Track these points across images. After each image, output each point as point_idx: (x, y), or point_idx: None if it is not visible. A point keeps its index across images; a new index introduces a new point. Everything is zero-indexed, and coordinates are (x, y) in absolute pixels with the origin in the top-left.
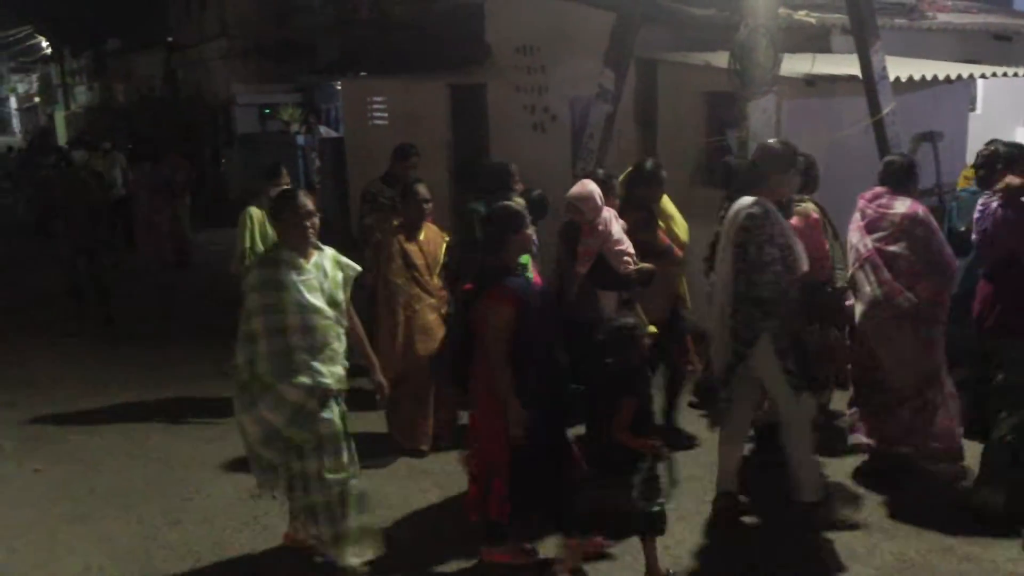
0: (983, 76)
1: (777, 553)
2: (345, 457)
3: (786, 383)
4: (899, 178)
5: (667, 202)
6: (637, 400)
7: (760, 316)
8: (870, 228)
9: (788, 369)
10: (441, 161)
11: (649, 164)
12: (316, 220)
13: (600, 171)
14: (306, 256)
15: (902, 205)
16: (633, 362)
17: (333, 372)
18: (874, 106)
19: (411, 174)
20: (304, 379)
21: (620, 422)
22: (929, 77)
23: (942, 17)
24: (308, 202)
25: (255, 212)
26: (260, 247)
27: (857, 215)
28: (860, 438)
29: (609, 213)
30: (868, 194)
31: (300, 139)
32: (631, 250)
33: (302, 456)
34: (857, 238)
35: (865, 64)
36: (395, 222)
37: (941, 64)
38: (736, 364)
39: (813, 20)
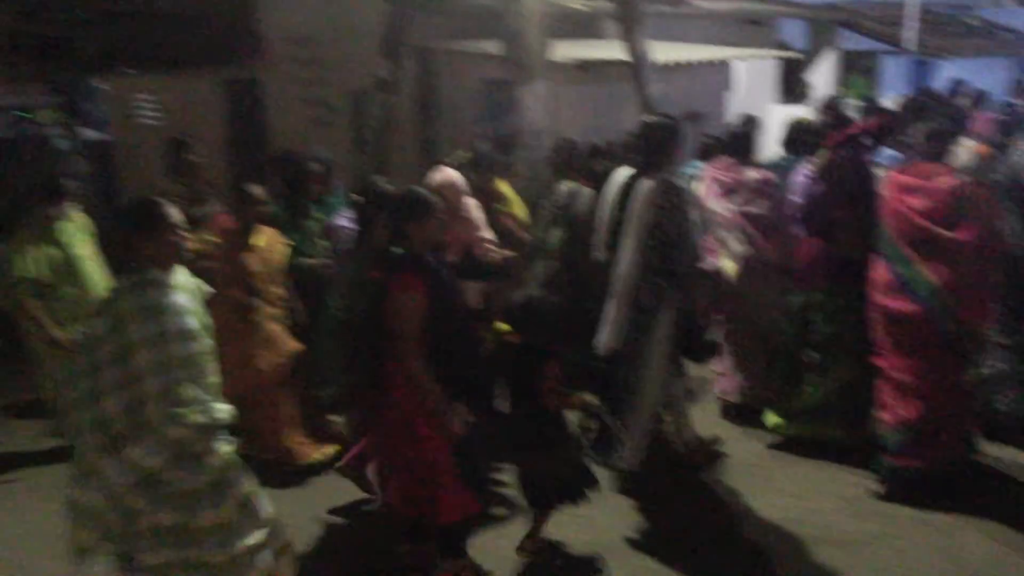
0: (740, 59)
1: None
2: (246, 503)
3: (667, 355)
4: (743, 149)
5: (503, 185)
6: (559, 363)
7: (666, 287)
8: (727, 194)
9: (681, 340)
10: (218, 160)
11: (481, 148)
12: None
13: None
14: (173, 275)
15: (755, 172)
16: (546, 330)
17: (224, 406)
18: (642, 90)
19: (194, 167)
20: (198, 417)
21: (547, 388)
22: (693, 60)
23: (700, 3)
24: (176, 212)
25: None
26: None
27: (713, 184)
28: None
29: (471, 200)
30: (718, 165)
31: (61, 143)
32: (493, 238)
33: (184, 510)
34: (719, 205)
35: (631, 49)
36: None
37: (702, 48)
38: (639, 337)
39: (583, 7)
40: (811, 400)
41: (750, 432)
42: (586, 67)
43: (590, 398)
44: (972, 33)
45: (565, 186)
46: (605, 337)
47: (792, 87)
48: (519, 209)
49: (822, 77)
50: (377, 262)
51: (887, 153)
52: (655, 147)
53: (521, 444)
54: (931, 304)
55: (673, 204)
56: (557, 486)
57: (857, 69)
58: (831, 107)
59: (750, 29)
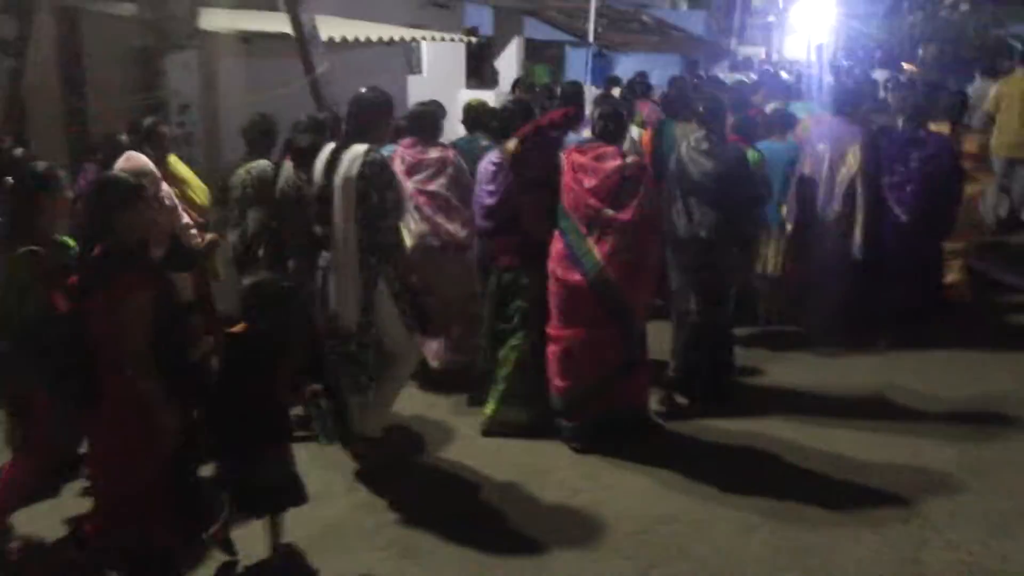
0: (416, 40)
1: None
2: None
3: (402, 324)
4: (428, 128)
5: (177, 164)
6: (293, 360)
7: (376, 262)
8: (411, 172)
9: (403, 310)
10: None
11: (148, 122)
12: None
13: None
14: None
15: (436, 151)
16: (281, 316)
17: None
18: (308, 65)
19: None
20: None
21: (282, 382)
22: (371, 38)
23: None
24: None
25: None
26: None
27: (397, 161)
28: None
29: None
30: (404, 143)
31: None
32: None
33: None
34: (403, 183)
35: (296, 23)
36: None
37: (381, 27)
38: (368, 313)
39: None
40: (505, 382)
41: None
42: (248, 39)
43: (319, 387)
44: (648, 30)
45: (260, 164)
46: (343, 315)
47: (481, 72)
48: (197, 190)
49: (509, 64)
50: (82, 262)
51: (574, 137)
52: (365, 122)
53: (238, 444)
54: (595, 277)
55: (379, 177)
56: (270, 492)
57: (544, 58)
58: (528, 94)
59: (436, 12)
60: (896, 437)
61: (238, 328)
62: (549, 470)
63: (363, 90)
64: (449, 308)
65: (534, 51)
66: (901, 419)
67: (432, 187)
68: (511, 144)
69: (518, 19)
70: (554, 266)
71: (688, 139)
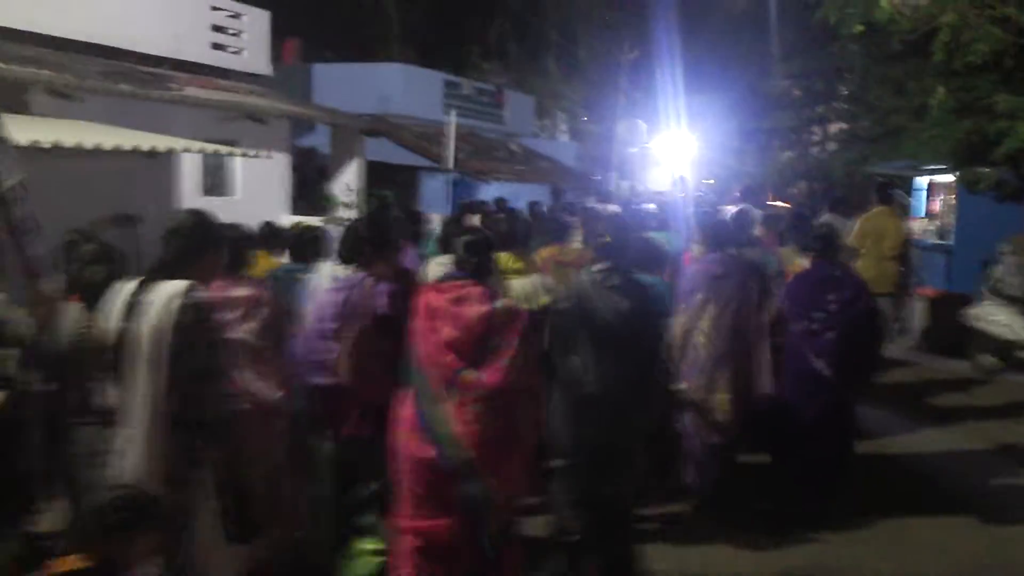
0: (189, 151)
1: None
2: None
3: (221, 538)
4: (235, 260)
5: None
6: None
7: (202, 443)
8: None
9: (226, 513)
10: None
11: None
12: None
13: None
14: None
15: (244, 287)
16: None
17: None
18: None
19: None
20: None
21: None
22: (104, 146)
23: (195, 91)
24: None
25: None
26: None
27: None
28: None
29: None
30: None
31: None
32: None
33: None
34: None
35: None
36: None
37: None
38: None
39: None
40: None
41: None
42: None
43: None
44: (514, 159)
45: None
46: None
47: (311, 193)
48: None
49: (348, 186)
50: None
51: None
52: (182, 251)
53: None
54: (448, 453)
55: (199, 326)
56: None
57: (395, 183)
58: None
59: (251, 127)
60: None
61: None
62: None
63: (182, 210)
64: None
65: (381, 175)
66: None
67: (239, 334)
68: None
69: (359, 139)
70: (400, 432)
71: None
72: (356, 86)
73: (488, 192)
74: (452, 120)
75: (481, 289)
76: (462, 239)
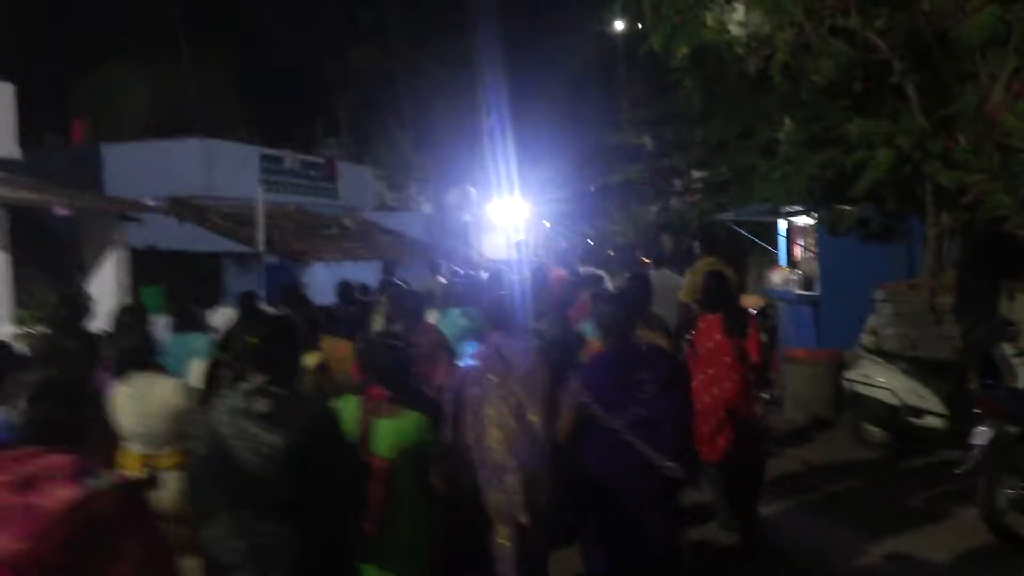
0: None
1: None
2: None
3: None
4: None
5: None
6: None
7: None
8: None
9: None
10: None
11: None
12: None
13: None
14: None
15: None
16: None
17: None
18: None
19: None
20: None
21: None
22: None
23: None
24: None
25: None
26: None
27: None
28: None
29: None
30: None
31: None
32: None
33: None
34: None
35: None
36: None
37: None
38: None
39: None
40: None
41: None
42: None
43: None
44: (346, 235)
45: None
46: None
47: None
48: None
49: (106, 286)
50: None
51: None
52: None
53: None
54: None
55: None
56: None
57: (193, 272)
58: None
59: None
60: None
61: None
62: None
63: None
64: None
65: (177, 265)
66: None
67: None
68: None
69: (116, 226)
70: None
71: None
72: (154, 167)
73: (324, 275)
74: (261, 196)
75: (67, 460)
76: None
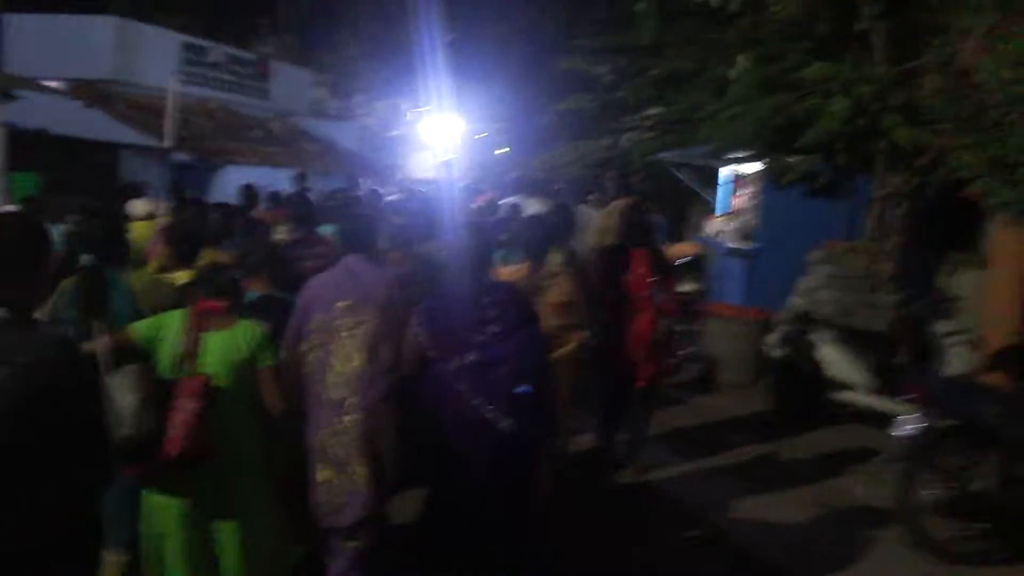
0: None
1: None
2: None
3: None
4: None
5: None
6: None
7: None
8: None
9: None
10: None
11: None
12: None
13: None
14: None
15: None
16: None
17: None
18: None
19: None
20: None
21: None
22: None
23: None
24: None
25: None
26: None
27: None
28: None
29: None
30: None
31: None
32: None
33: None
34: None
35: None
36: None
37: None
38: None
39: None
40: None
41: None
42: None
43: None
44: (270, 140)
45: None
46: None
47: None
48: None
49: None
50: None
51: None
52: None
53: None
54: None
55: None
56: None
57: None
58: None
59: None
60: None
61: None
62: None
63: None
64: None
65: (67, 151)
66: None
67: None
68: None
69: None
70: None
71: None
72: (63, 43)
73: (233, 178)
74: (172, 87)
75: None
76: None
